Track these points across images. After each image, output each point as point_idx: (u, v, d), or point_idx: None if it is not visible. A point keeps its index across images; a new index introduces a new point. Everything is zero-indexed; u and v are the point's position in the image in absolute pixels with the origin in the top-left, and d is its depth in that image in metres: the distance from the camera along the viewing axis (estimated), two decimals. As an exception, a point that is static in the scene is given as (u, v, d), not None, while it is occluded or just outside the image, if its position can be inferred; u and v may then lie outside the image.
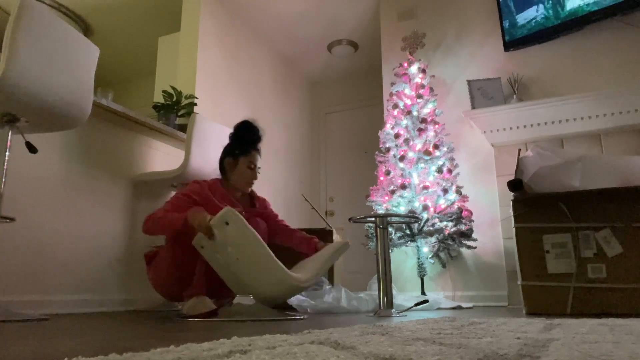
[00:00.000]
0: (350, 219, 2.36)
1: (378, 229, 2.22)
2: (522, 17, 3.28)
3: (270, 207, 2.33)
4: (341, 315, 2.02)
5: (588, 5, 2.99)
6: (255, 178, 2.18)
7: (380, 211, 3.06)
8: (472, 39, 3.56)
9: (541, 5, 3.20)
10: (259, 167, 2.19)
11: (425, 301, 2.49)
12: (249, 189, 2.21)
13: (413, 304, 2.40)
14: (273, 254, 1.66)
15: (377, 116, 4.92)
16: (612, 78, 3.03)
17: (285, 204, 4.58)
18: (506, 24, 3.34)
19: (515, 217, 2.14)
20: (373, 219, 2.31)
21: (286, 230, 2.25)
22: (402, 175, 3.05)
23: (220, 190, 2.08)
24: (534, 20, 3.22)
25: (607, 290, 1.92)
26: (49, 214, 2.15)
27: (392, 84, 3.36)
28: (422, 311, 2.40)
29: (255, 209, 2.22)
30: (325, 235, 2.83)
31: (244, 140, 2.19)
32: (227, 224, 1.66)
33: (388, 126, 3.26)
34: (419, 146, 3.07)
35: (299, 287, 1.73)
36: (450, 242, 2.89)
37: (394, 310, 2.11)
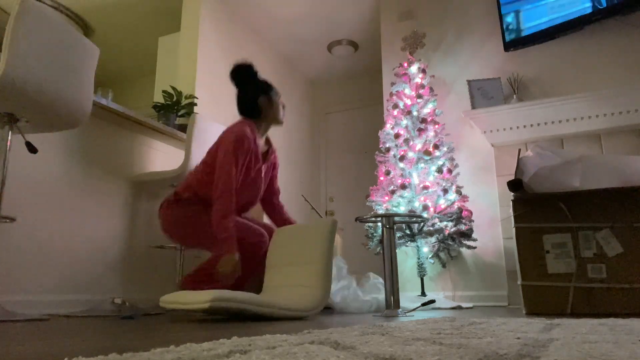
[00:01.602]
0: (357, 219, 2.36)
1: (384, 228, 2.22)
2: (523, 18, 3.28)
3: (277, 162, 2.47)
4: (343, 316, 2.02)
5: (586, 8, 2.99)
6: (284, 109, 2.38)
7: (380, 211, 3.06)
8: (472, 39, 3.56)
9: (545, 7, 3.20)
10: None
11: (432, 301, 2.49)
12: (281, 125, 2.37)
13: (419, 304, 2.41)
14: (274, 306, 1.62)
15: (377, 116, 4.92)
16: (612, 78, 3.03)
17: (285, 204, 4.58)
18: (507, 22, 3.34)
19: (515, 217, 2.14)
20: (380, 218, 2.31)
21: (275, 207, 2.44)
22: (402, 175, 3.05)
23: (255, 140, 2.18)
24: (535, 20, 3.22)
25: (607, 290, 1.92)
26: (49, 214, 2.16)
27: (392, 84, 3.36)
28: (429, 311, 2.40)
29: (269, 161, 2.35)
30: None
31: (265, 81, 2.34)
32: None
33: (388, 126, 3.26)
34: (419, 146, 3.07)
35: (319, 305, 1.76)
36: (450, 242, 2.89)
37: (400, 310, 2.11)
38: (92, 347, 0.82)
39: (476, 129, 3.33)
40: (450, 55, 3.62)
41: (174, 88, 3.04)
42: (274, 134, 4.54)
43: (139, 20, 4.55)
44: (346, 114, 5.36)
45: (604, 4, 2.94)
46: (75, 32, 1.80)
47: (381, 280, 2.48)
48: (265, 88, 2.29)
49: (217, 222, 1.97)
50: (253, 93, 2.26)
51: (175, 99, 3.02)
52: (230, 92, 3.94)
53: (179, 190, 2.22)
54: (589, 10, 2.99)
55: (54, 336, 1.03)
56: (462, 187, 3.05)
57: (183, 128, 2.86)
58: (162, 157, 2.85)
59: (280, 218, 2.44)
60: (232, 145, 2.06)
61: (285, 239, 2.11)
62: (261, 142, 2.29)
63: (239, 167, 2.09)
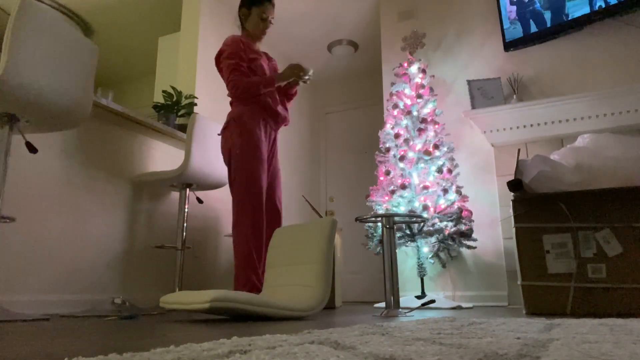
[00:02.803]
0: (357, 219, 2.36)
1: (385, 228, 2.22)
2: (523, 18, 3.28)
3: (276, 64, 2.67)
4: (342, 316, 2.02)
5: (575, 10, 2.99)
6: (267, 28, 2.48)
7: (380, 211, 3.06)
8: (472, 39, 3.56)
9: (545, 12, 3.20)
10: (272, 19, 2.49)
11: (432, 301, 2.49)
12: (261, 39, 2.51)
13: (420, 304, 2.40)
14: (274, 306, 1.62)
15: (377, 116, 4.92)
16: (612, 78, 3.03)
17: (285, 204, 4.58)
18: (507, 22, 3.34)
19: (515, 217, 2.14)
20: (380, 218, 2.31)
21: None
22: (402, 175, 3.05)
23: (249, 43, 2.44)
24: (534, 20, 3.22)
25: (607, 290, 1.92)
26: (49, 214, 2.16)
27: (392, 84, 3.36)
28: (429, 311, 2.40)
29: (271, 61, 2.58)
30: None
31: None
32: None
33: (388, 126, 3.26)
34: (419, 146, 3.07)
35: (319, 304, 1.76)
36: (450, 242, 2.88)
37: (400, 310, 2.11)
38: (92, 347, 0.82)
39: (476, 129, 3.33)
40: (450, 55, 3.62)
41: (174, 88, 3.04)
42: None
43: (139, 20, 4.55)
44: (346, 113, 5.36)
45: (604, 4, 2.94)
46: (75, 32, 1.80)
47: None
48: (253, 1, 2.45)
49: (257, 90, 2.31)
50: (240, 5, 2.50)
51: (175, 99, 3.02)
52: (230, 92, 3.94)
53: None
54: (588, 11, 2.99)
55: (54, 336, 1.03)
56: (462, 187, 3.05)
57: (183, 128, 2.86)
58: (162, 157, 2.85)
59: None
60: (225, 51, 2.38)
61: (285, 239, 2.11)
62: (258, 48, 2.52)
63: (240, 61, 2.35)
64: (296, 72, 2.36)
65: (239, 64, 2.35)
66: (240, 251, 2.21)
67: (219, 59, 2.45)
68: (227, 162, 2.36)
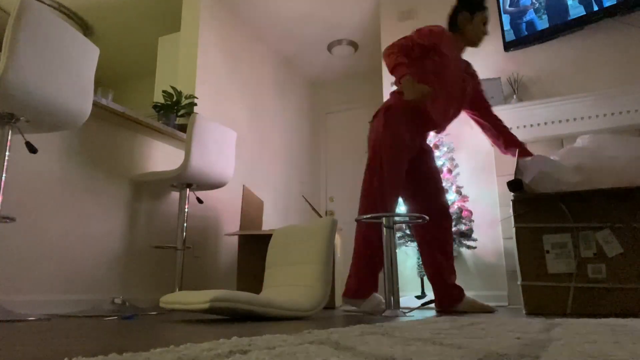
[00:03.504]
0: (357, 219, 2.35)
1: (385, 228, 2.22)
2: (523, 17, 3.28)
3: (478, 78, 2.51)
4: (342, 316, 2.02)
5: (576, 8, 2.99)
6: (487, 34, 2.40)
7: (380, 211, 3.06)
8: (472, 39, 3.56)
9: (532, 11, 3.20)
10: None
11: (432, 301, 2.49)
12: (476, 46, 2.40)
13: (420, 304, 2.41)
14: (274, 306, 1.62)
15: (377, 116, 4.92)
16: (612, 78, 3.03)
17: (286, 204, 4.59)
18: (507, 22, 3.33)
19: (515, 217, 2.14)
20: (380, 218, 2.30)
21: (494, 126, 2.48)
22: (402, 175, 3.05)
23: (450, 40, 2.31)
24: (534, 20, 3.22)
25: (607, 290, 1.92)
26: (49, 214, 2.16)
27: (392, 84, 3.36)
28: (429, 311, 2.40)
29: (469, 73, 2.44)
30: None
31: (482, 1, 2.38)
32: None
33: (388, 126, 3.25)
34: (419, 146, 3.07)
35: (319, 303, 1.76)
36: (450, 242, 2.88)
37: (400, 310, 2.11)
38: (92, 347, 0.82)
39: (476, 129, 3.32)
40: (450, 55, 3.62)
41: (174, 88, 3.04)
42: (275, 133, 4.55)
43: (139, 20, 4.55)
44: (346, 114, 5.36)
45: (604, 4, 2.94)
46: (75, 32, 1.80)
47: None
48: (473, 6, 2.37)
49: (392, 54, 2.16)
50: (458, 7, 2.40)
51: (175, 99, 3.02)
52: (230, 92, 3.95)
53: None
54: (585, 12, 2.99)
55: (54, 336, 1.03)
56: (462, 187, 3.05)
57: (183, 128, 2.86)
58: (162, 157, 2.85)
59: (508, 137, 2.47)
60: (424, 28, 2.29)
61: (285, 239, 2.11)
62: (458, 54, 2.38)
63: (415, 45, 2.22)
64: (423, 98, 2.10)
65: (412, 47, 2.20)
66: (356, 248, 2.33)
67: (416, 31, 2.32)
68: (369, 151, 2.30)
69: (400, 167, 2.23)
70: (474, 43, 2.38)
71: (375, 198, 2.20)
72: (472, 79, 2.46)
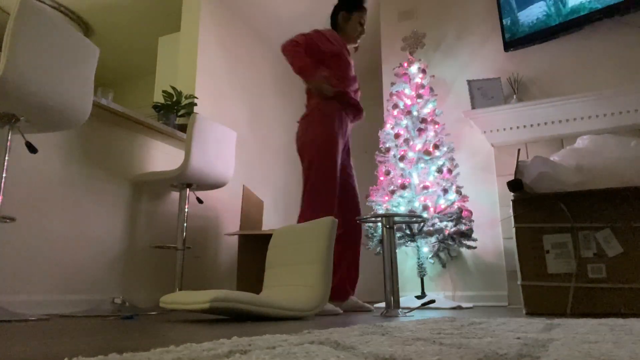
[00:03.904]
0: (357, 219, 2.36)
1: (385, 228, 2.22)
2: (524, 15, 3.28)
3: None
4: (342, 316, 2.02)
5: (590, 2, 2.99)
6: (364, 34, 2.62)
7: (380, 211, 3.06)
8: (472, 39, 3.56)
9: (543, 2, 3.20)
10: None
11: (432, 301, 2.49)
12: (355, 44, 2.63)
13: (420, 304, 2.41)
14: (275, 306, 1.62)
15: (377, 116, 4.92)
16: (612, 78, 3.03)
17: (286, 204, 4.58)
18: (507, 21, 3.34)
19: (515, 217, 2.14)
20: (380, 218, 2.30)
21: None
22: (402, 175, 3.05)
23: (338, 38, 2.55)
24: (536, 18, 3.22)
25: (607, 290, 1.92)
26: (49, 214, 2.16)
27: (392, 84, 3.36)
28: (429, 311, 2.40)
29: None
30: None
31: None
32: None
33: (388, 126, 3.26)
34: (419, 146, 3.07)
35: (318, 306, 1.76)
36: (450, 242, 2.88)
37: (400, 310, 2.11)
38: (92, 347, 0.82)
39: (476, 129, 3.33)
40: (450, 55, 3.62)
41: (174, 88, 3.04)
42: (275, 133, 4.55)
43: (139, 20, 4.55)
44: (346, 114, 5.35)
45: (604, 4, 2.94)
46: (75, 32, 1.80)
47: None
48: (350, 6, 2.59)
49: (295, 57, 2.42)
50: (337, 7, 2.63)
51: (175, 99, 3.02)
52: (230, 92, 3.95)
53: None
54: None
55: (54, 336, 1.03)
56: (462, 187, 3.05)
57: (183, 128, 2.86)
58: (162, 157, 2.85)
59: None
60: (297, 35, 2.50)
61: (285, 239, 2.11)
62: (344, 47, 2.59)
63: (302, 47, 2.44)
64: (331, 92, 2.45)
65: (298, 43, 2.43)
66: None
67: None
68: (302, 152, 2.44)
69: (338, 161, 2.40)
70: (352, 40, 2.60)
71: (323, 196, 2.30)
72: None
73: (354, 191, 2.58)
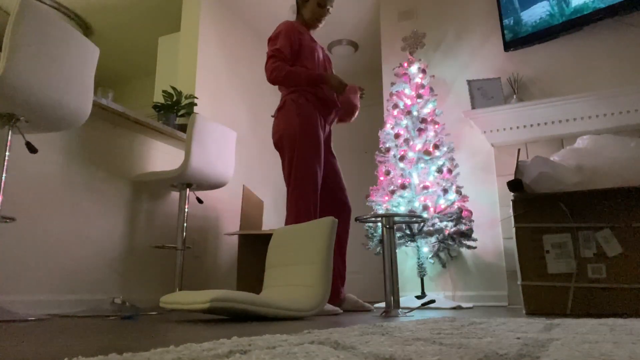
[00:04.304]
0: (357, 219, 2.36)
1: (384, 228, 2.22)
2: (527, 15, 3.27)
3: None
4: (342, 316, 2.02)
5: (593, 1, 2.99)
6: (324, 16, 2.45)
7: (380, 211, 3.06)
8: (472, 39, 3.56)
9: (547, 2, 3.19)
10: (330, 8, 2.45)
11: (432, 301, 2.49)
12: (316, 27, 2.48)
13: (420, 304, 2.41)
14: (274, 306, 1.63)
15: (377, 116, 4.92)
16: (612, 78, 3.03)
17: (286, 204, 4.58)
18: (510, 21, 3.33)
19: (515, 217, 2.14)
20: (380, 218, 2.30)
21: None
22: (402, 175, 3.05)
23: (306, 34, 2.42)
24: (539, 17, 3.21)
25: (607, 290, 1.92)
26: (49, 214, 2.16)
27: (392, 84, 3.36)
28: (429, 311, 2.40)
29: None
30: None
31: None
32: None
33: (388, 126, 3.26)
34: (419, 146, 3.07)
35: (320, 304, 1.76)
36: (450, 242, 2.88)
37: (400, 310, 2.11)
38: (92, 347, 0.82)
39: (476, 129, 3.33)
40: (450, 55, 3.62)
41: (174, 88, 3.04)
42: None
43: (139, 20, 4.55)
44: (346, 114, 5.35)
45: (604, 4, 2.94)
46: (75, 32, 1.80)
47: None
48: None
49: (289, 76, 2.29)
50: None
51: (175, 99, 3.02)
52: (230, 92, 3.95)
53: None
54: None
55: (54, 336, 1.03)
56: (462, 187, 3.05)
57: (183, 128, 2.86)
58: (162, 157, 2.85)
59: None
60: (275, 35, 2.39)
61: (285, 239, 2.11)
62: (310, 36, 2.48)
63: (284, 47, 2.32)
64: (345, 88, 2.38)
65: (280, 50, 2.32)
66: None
67: (269, 43, 2.44)
68: (281, 145, 2.35)
69: (321, 153, 2.35)
70: (312, 24, 2.47)
71: (306, 197, 2.26)
72: (326, 54, 2.64)
73: (339, 184, 2.57)
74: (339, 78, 2.34)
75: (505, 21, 3.34)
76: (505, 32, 3.33)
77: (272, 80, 2.32)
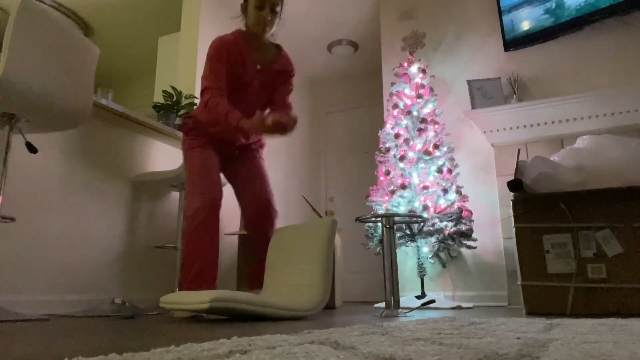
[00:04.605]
0: (357, 219, 2.35)
1: (384, 228, 2.22)
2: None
3: (290, 81, 2.25)
4: (342, 316, 2.02)
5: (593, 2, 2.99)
6: (266, 19, 2.05)
7: (380, 211, 3.06)
8: (472, 39, 3.56)
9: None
10: (276, 8, 2.07)
11: (432, 301, 2.49)
12: (263, 33, 2.09)
13: (420, 304, 2.41)
14: (274, 306, 1.62)
15: (377, 116, 4.92)
16: (612, 78, 3.03)
17: (285, 204, 4.58)
18: (508, 22, 3.33)
19: (515, 217, 2.14)
20: (380, 218, 2.30)
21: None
22: (402, 175, 3.05)
23: (239, 48, 2.09)
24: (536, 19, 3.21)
25: (607, 290, 1.92)
26: (49, 214, 2.16)
27: (392, 84, 3.36)
28: (429, 311, 2.40)
29: (271, 68, 2.16)
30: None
31: None
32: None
33: (388, 126, 3.26)
34: (419, 146, 3.07)
35: (322, 301, 1.76)
36: (450, 242, 2.89)
37: (400, 310, 2.11)
38: (92, 347, 0.82)
39: (476, 129, 3.33)
40: (450, 55, 3.62)
41: (174, 88, 3.04)
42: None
43: (139, 20, 4.55)
44: (346, 114, 5.36)
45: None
46: (75, 32, 1.80)
47: None
48: None
49: (212, 112, 1.99)
50: None
51: (175, 99, 3.02)
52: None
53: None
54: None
55: (54, 336, 1.03)
56: (462, 187, 3.05)
57: (183, 128, 2.85)
58: (162, 157, 2.85)
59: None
60: (209, 52, 2.09)
61: (285, 239, 2.11)
62: (259, 51, 2.15)
63: (220, 72, 2.03)
64: (275, 128, 1.93)
65: (219, 87, 2.03)
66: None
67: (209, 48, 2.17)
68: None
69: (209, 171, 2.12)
70: (257, 30, 2.09)
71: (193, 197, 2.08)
72: (278, 74, 2.22)
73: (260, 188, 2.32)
74: (258, 122, 1.91)
75: (504, 22, 3.33)
76: (505, 32, 3.32)
77: (205, 120, 2.10)
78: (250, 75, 2.14)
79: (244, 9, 2.14)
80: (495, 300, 3.04)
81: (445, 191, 2.91)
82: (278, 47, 2.24)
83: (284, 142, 4.73)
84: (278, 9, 2.10)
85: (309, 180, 5.19)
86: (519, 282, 2.11)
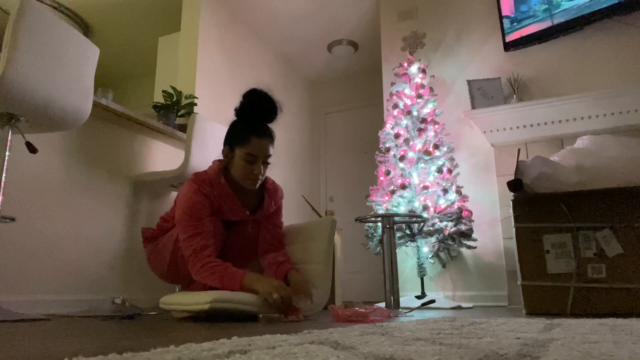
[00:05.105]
0: (357, 219, 2.35)
1: (384, 228, 2.22)
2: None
3: (280, 207, 2.01)
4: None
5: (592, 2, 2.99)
6: (258, 174, 1.73)
7: (380, 211, 3.06)
8: (472, 39, 3.56)
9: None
10: (268, 159, 1.76)
11: (432, 301, 2.49)
12: (254, 187, 1.77)
13: (420, 304, 2.41)
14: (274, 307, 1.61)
15: (377, 116, 4.92)
16: (612, 78, 3.03)
17: (285, 204, 4.57)
18: (507, 22, 3.33)
19: (515, 217, 2.14)
20: (380, 218, 2.30)
21: (269, 246, 1.94)
22: (402, 175, 3.05)
23: (225, 191, 1.75)
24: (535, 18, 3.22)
25: (607, 290, 1.92)
26: (49, 214, 2.15)
27: (392, 84, 3.37)
28: (429, 311, 2.40)
29: (259, 213, 1.89)
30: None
31: (245, 120, 1.72)
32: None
33: (388, 126, 3.26)
34: (419, 146, 3.07)
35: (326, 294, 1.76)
36: (450, 242, 2.89)
37: (400, 310, 2.11)
38: (92, 347, 0.82)
39: (476, 129, 3.33)
40: (450, 55, 3.62)
41: (174, 88, 3.04)
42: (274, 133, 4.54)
43: (139, 20, 4.55)
44: (346, 114, 5.36)
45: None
46: (75, 32, 1.80)
47: None
48: (232, 139, 1.75)
49: (211, 272, 1.68)
50: (225, 138, 1.79)
51: (175, 99, 3.02)
52: (230, 92, 3.95)
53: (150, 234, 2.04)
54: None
55: (54, 336, 1.03)
56: (462, 187, 3.05)
57: (183, 128, 2.86)
58: (162, 157, 2.85)
59: (268, 257, 1.91)
60: (183, 216, 1.70)
61: (285, 239, 2.11)
62: (245, 195, 1.84)
63: (203, 229, 1.70)
64: (277, 304, 1.56)
65: (200, 231, 1.69)
66: None
67: (179, 206, 1.75)
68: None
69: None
70: (243, 185, 1.77)
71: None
72: (264, 220, 1.94)
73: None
74: (264, 286, 1.60)
75: (504, 21, 3.33)
76: (505, 32, 3.32)
77: (193, 274, 1.73)
78: (240, 218, 1.86)
79: (228, 156, 1.77)
80: (495, 300, 3.04)
81: (445, 191, 2.91)
82: (266, 186, 1.92)
83: (283, 142, 4.73)
84: (271, 159, 1.78)
85: (309, 180, 5.19)
86: (519, 282, 2.11)
